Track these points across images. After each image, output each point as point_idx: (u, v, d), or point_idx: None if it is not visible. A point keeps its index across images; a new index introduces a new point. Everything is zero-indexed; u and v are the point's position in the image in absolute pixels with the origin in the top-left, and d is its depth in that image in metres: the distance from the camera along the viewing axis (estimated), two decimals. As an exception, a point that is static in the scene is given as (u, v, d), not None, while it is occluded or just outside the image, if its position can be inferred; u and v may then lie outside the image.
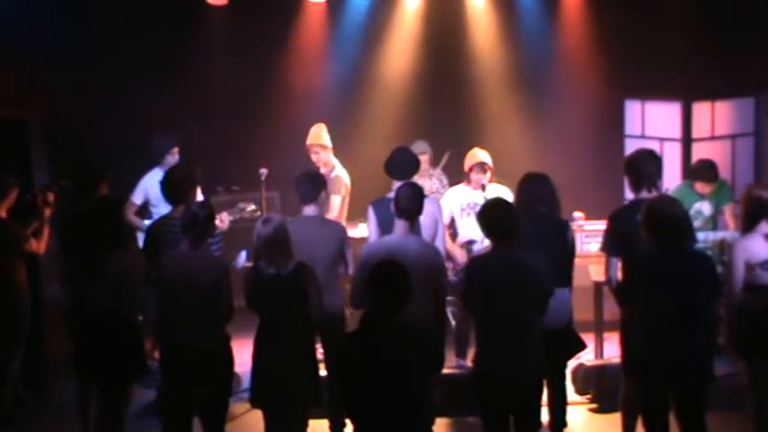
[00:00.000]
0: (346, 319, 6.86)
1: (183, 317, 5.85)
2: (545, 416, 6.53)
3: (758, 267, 5.72)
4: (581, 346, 6.57)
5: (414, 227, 6.04)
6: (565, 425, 6.66)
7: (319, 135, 8.23)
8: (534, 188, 6.43)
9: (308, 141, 8.23)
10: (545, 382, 6.44)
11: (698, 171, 8.17)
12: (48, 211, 7.28)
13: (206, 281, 5.82)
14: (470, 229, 7.75)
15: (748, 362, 5.84)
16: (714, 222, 8.18)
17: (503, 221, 5.57)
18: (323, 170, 7.95)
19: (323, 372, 6.32)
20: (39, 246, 7.27)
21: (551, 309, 5.72)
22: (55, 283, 6.97)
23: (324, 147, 8.23)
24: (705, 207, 8.05)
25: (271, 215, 6.29)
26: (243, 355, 6.12)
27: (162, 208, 7.49)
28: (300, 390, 5.85)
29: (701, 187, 8.06)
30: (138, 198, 8.02)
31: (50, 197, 7.27)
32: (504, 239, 5.56)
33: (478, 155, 8.07)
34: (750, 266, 5.74)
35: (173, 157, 8.01)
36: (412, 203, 5.98)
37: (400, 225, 5.97)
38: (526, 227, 6.05)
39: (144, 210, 8.08)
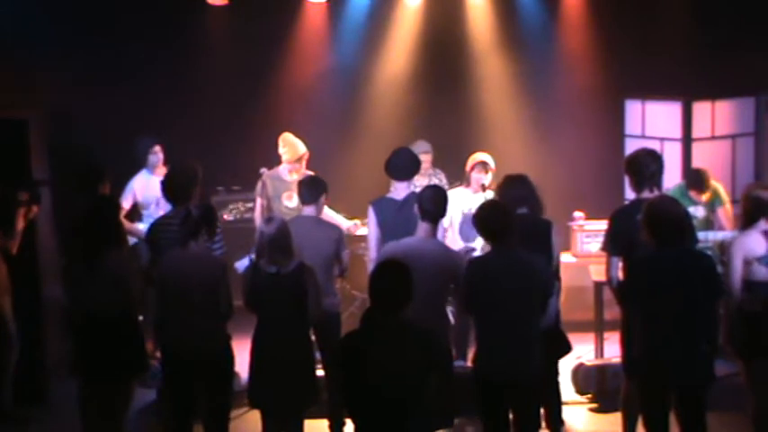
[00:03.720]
0: (341, 319, 6.87)
1: (182, 317, 5.85)
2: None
3: (756, 262, 5.75)
4: (568, 348, 6.57)
5: (436, 230, 6.03)
6: (562, 422, 6.67)
7: (300, 144, 8.20)
8: (514, 189, 6.41)
9: (299, 154, 8.13)
10: None
11: (690, 180, 8.17)
12: (22, 211, 7.21)
13: (203, 281, 5.83)
14: (471, 234, 7.74)
15: (748, 361, 5.84)
16: (708, 224, 8.18)
17: (499, 222, 5.57)
18: (297, 177, 7.90)
19: (320, 372, 6.33)
20: (7, 244, 7.14)
21: None
22: (55, 284, 6.95)
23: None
24: (699, 211, 8.04)
25: (273, 215, 6.31)
26: (242, 355, 6.12)
27: (153, 210, 7.49)
28: (298, 389, 5.86)
29: (694, 194, 8.07)
30: (126, 202, 8.00)
31: (23, 196, 7.22)
32: (502, 240, 5.55)
33: (480, 155, 8.07)
34: (748, 262, 5.77)
35: (155, 156, 8.02)
36: (436, 206, 5.98)
37: (423, 228, 5.96)
38: None
39: (134, 212, 8.07)
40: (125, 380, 6.05)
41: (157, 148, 8.03)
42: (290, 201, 8.00)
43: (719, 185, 8.39)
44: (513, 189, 6.41)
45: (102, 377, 5.99)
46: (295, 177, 7.94)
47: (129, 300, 5.93)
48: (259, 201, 8.21)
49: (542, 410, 6.50)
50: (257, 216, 8.19)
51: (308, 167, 8.16)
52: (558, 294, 6.44)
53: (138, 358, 6.04)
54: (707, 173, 8.17)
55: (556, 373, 6.67)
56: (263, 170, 8.44)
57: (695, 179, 8.15)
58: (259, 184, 8.24)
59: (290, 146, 8.15)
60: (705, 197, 8.09)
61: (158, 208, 7.12)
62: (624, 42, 9.83)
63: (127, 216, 7.99)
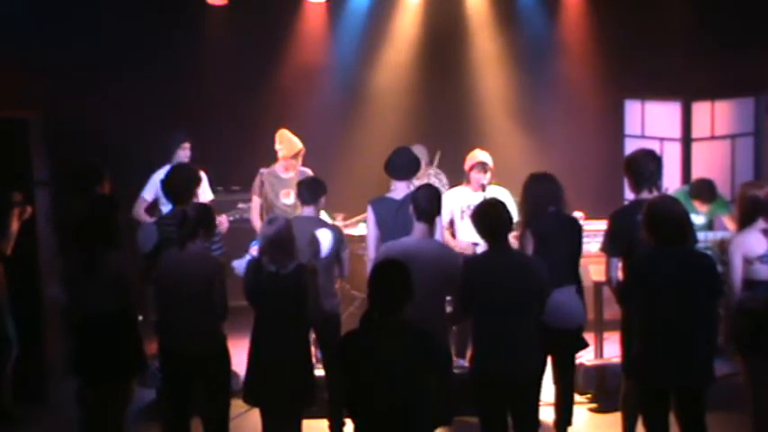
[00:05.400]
0: (341, 319, 6.88)
1: (179, 317, 5.87)
2: (550, 415, 6.56)
3: (756, 261, 5.76)
4: (584, 344, 6.58)
5: (433, 230, 6.03)
6: (569, 424, 6.68)
7: (296, 140, 8.20)
8: (542, 187, 6.43)
9: (295, 149, 8.14)
10: (554, 381, 6.49)
11: (697, 191, 8.12)
12: (17, 212, 7.21)
13: (198, 281, 5.83)
14: (470, 231, 7.74)
15: (748, 360, 5.85)
16: (709, 227, 8.17)
17: (496, 222, 5.57)
18: (293, 174, 7.96)
19: (319, 372, 6.32)
20: (2, 245, 7.12)
21: (567, 308, 5.73)
22: (55, 284, 6.95)
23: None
24: (699, 219, 8.02)
25: (276, 215, 6.31)
26: (241, 355, 6.13)
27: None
28: (295, 389, 5.86)
29: (698, 204, 8.05)
30: (149, 194, 8.01)
31: (18, 197, 7.21)
32: (499, 240, 5.56)
33: (479, 155, 8.07)
34: (748, 261, 5.78)
35: (184, 152, 7.97)
36: (431, 205, 5.98)
37: (419, 228, 5.96)
38: (540, 226, 6.10)
39: (154, 207, 8.07)
40: (124, 379, 6.05)
41: (187, 145, 8.00)
42: (288, 198, 8.02)
43: (722, 196, 8.35)
44: (543, 187, 6.43)
45: (100, 377, 5.99)
46: (291, 174, 7.97)
47: (128, 299, 5.94)
48: (256, 199, 8.21)
49: (553, 409, 6.54)
50: (254, 215, 8.19)
51: (307, 166, 8.16)
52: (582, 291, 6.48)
53: (136, 358, 6.04)
54: (714, 183, 8.14)
55: (573, 373, 6.67)
56: (263, 170, 8.44)
57: (703, 189, 8.09)
58: (256, 183, 8.24)
59: (287, 142, 8.15)
60: (708, 208, 8.06)
61: None
62: (624, 42, 9.84)
63: (148, 209, 7.99)
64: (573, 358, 6.62)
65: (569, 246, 6.36)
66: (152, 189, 7.99)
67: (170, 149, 7.97)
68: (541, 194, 6.38)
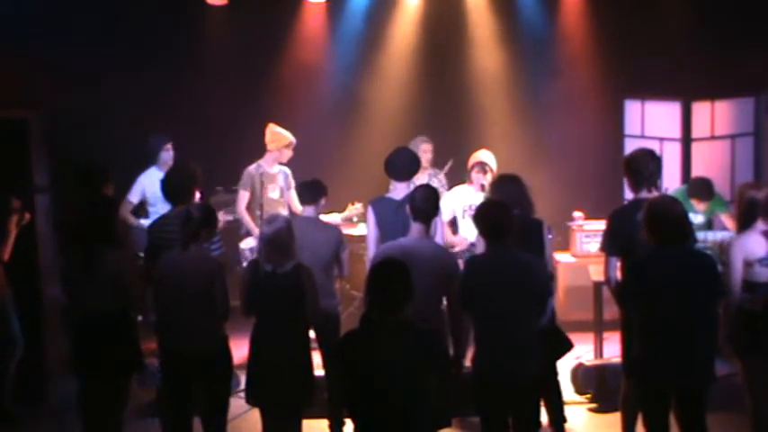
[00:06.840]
0: (341, 320, 6.88)
1: (180, 317, 5.87)
2: (544, 415, 6.55)
3: (756, 264, 5.74)
4: (569, 346, 6.57)
5: (429, 230, 6.03)
6: (564, 420, 6.68)
7: (287, 132, 8.35)
8: (505, 190, 6.42)
9: (290, 140, 8.29)
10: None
11: (694, 189, 8.13)
12: (16, 217, 7.20)
13: (199, 281, 5.83)
14: (470, 230, 7.75)
15: (747, 360, 5.84)
16: (708, 226, 8.17)
17: (498, 222, 5.57)
18: (278, 169, 8.18)
19: (319, 372, 6.32)
20: (0, 249, 7.17)
21: None
22: (55, 284, 6.95)
23: None
24: (698, 218, 8.03)
25: (276, 215, 6.32)
26: (242, 355, 6.13)
27: (160, 207, 7.50)
28: (295, 389, 5.86)
29: (696, 203, 8.05)
30: (134, 197, 8.05)
31: (16, 204, 7.22)
32: (501, 240, 5.56)
33: (480, 155, 8.07)
34: (748, 263, 5.76)
35: (167, 154, 8.08)
36: (428, 206, 5.98)
37: (416, 228, 5.96)
38: None
39: (141, 209, 8.10)
40: (122, 378, 6.05)
41: (170, 146, 8.09)
42: (274, 192, 8.17)
43: (720, 195, 8.36)
44: (506, 189, 6.42)
45: (98, 376, 5.99)
46: (276, 170, 8.22)
47: (127, 299, 5.94)
48: (243, 192, 8.28)
49: (545, 410, 6.54)
50: (242, 209, 8.26)
51: (307, 165, 8.22)
52: (553, 293, 6.46)
53: (133, 357, 6.04)
54: (711, 182, 8.14)
55: (554, 372, 6.67)
56: (251, 167, 8.46)
57: (700, 188, 8.10)
58: (245, 176, 8.33)
59: (276, 134, 8.33)
60: (706, 206, 8.07)
61: (165, 205, 7.16)
62: (624, 42, 9.84)
63: (134, 212, 8.01)
64: (553, 359, 6.58)
65: (533, 249, 6.26)
66: (138, 191, 8.05)
67: (153, 152, 8.05)
68: (504, 198, 6.33)
